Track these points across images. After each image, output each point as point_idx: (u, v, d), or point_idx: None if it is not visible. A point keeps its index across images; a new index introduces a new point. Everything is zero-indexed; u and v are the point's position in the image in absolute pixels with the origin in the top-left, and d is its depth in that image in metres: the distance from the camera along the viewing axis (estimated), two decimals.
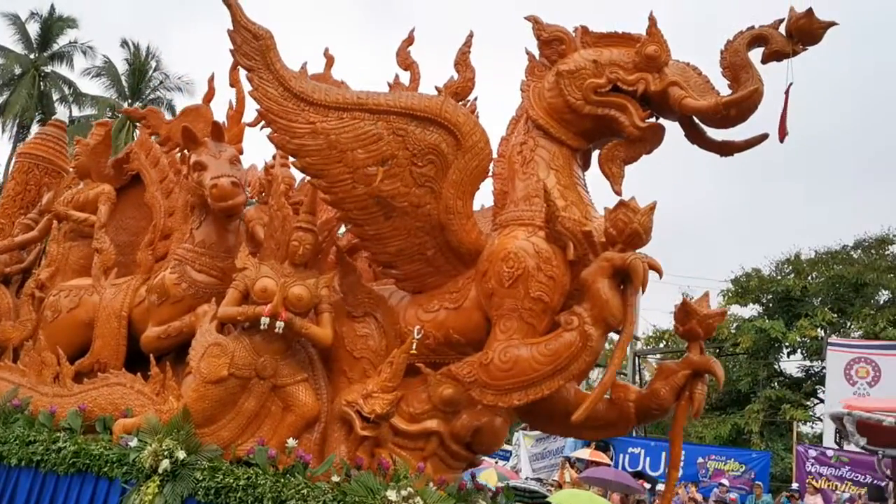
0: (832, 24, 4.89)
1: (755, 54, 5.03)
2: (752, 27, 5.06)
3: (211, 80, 6.45)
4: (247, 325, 5.08)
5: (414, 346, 4.83)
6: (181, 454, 4.65)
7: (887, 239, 27.44)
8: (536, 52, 5.64)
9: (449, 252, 5.16)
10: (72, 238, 6.78)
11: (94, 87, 34.41)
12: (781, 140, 4.94)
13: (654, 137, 5.20)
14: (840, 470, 15.99)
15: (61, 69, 34.48)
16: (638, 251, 4.66)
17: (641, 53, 5.09)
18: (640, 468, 17.74)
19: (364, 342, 5.22)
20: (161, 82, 34.28)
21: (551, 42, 5.46)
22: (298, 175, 6.63)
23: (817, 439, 21.12)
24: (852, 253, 27.65)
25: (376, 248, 5.24)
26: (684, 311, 5.05)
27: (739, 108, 4.89)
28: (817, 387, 26.41)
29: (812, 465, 16.37)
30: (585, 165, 5.51)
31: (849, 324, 26.02)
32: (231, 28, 5.18)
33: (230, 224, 5.75)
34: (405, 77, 5.95)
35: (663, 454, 17.50)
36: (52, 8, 34.08)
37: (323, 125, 5.04)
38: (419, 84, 5.93)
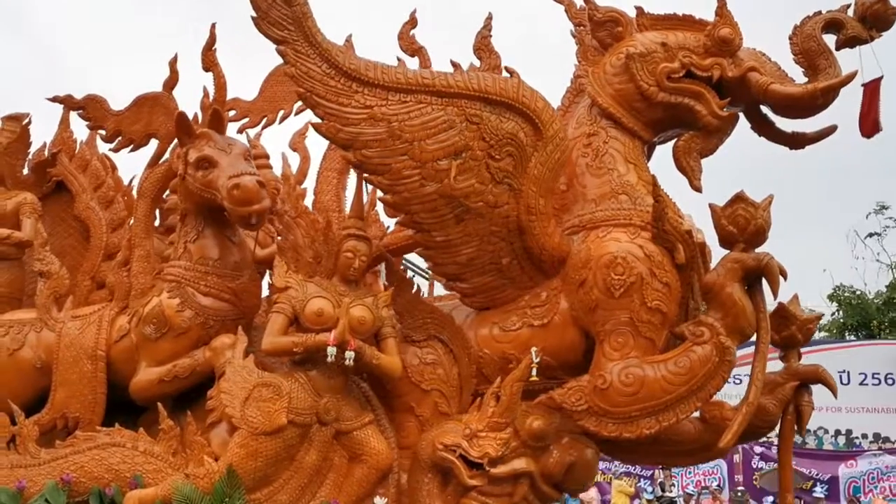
0: None
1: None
2: (820, 12, 4.75)
3: (173, 62, 5.25)
4: (297, 357, 4.07)
5: (534, 372, 4.04)
6: None
7: None
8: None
9: (527, 260, 4.42)
10: None
11: None
12: (870, 136, 4.65)
13: (729, 128, 4.76)
14: (612, 462, 16.65)
15: None
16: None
17: (714, 36, 4.63)
18: None
19: (433, 371, 4.37)
20: None
21: (605, 23, 4.90)
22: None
23: None
24: None
25: (443, 258, 4.40)
26: (781, 317, 4.63)
27: (828, 96, 4.56)
28: None
29: None
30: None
31: None
32: None
33: (235, 236, 4.66)
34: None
35: None
36: None
37: (383, 110, 4.16)
38: None
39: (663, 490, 15.67)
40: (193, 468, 3.97)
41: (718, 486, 15.25)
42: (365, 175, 4.27)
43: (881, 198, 22.39)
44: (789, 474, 4.61)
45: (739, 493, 14.30)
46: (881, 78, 4.58)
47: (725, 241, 4.26)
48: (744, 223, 4.16)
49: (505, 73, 4.97)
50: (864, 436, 18.18)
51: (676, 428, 4.58)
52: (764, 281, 4.18)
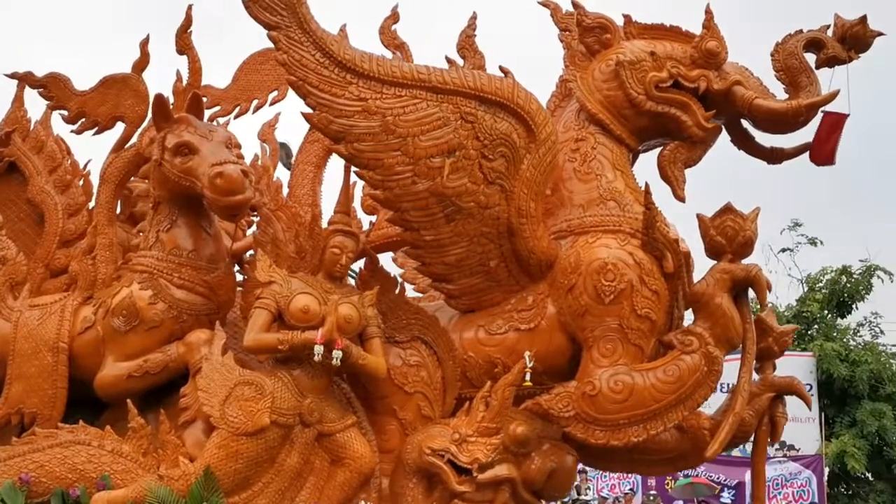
0: (881, 33, 4.79)
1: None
2: (801, 30, 4.84)
3: (144, 43, 5.01)
4: (280, 356, 3.91)
5: (528, 376, 3.97)
6: None
7: None
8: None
9: (514, 263, 4.36)
10: None
11: None
12: (821, 165, 4.74)
13: (712, 139, 4.80)
14: None
15: None
16: None
17: (701, 48, 4.66)
18: None
19: (416, 373, 4.26)
20: None
21: (594, 29, 4.86)
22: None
23: None
24: None
25: (432, 258, 4.30)
26: (758, 329, 4.65)
27: (810, 113, 4.63)
28: None
29: None
30: None
31: None
32: None
33: (211, 227, 4.46)
34: None
35: None
36: None
37: (377, 103, 4.04)
38: None
39: (578, 493, 15.78)
40: (167, 469, 3.76)
41: (631, 489, 15.46)
42: (355, 169, 4.13)
43: (795, 214, 23.06)
44: (762, 484, 4.67)
45: (651, 497, 14.58)
46: (847, 116, 4.66)
47: (713, 252, 4.29)
48: (732, 234, 4.21)
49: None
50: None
51: (656, 437, 4.59)
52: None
